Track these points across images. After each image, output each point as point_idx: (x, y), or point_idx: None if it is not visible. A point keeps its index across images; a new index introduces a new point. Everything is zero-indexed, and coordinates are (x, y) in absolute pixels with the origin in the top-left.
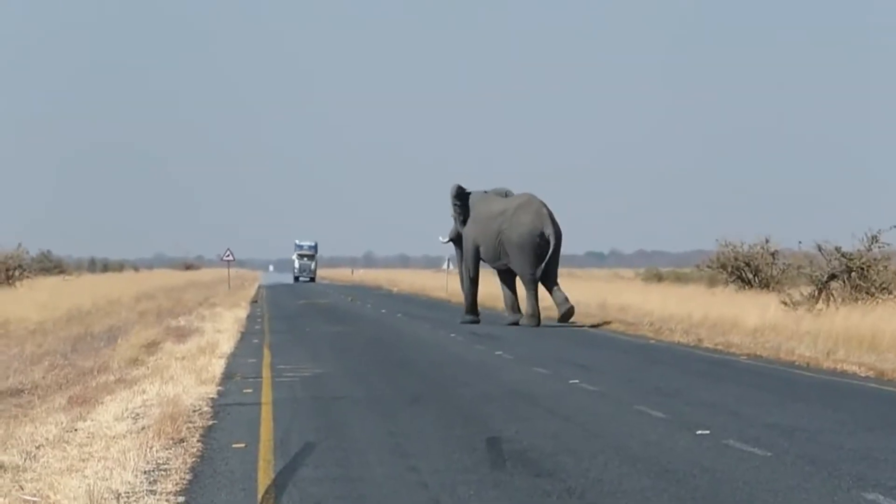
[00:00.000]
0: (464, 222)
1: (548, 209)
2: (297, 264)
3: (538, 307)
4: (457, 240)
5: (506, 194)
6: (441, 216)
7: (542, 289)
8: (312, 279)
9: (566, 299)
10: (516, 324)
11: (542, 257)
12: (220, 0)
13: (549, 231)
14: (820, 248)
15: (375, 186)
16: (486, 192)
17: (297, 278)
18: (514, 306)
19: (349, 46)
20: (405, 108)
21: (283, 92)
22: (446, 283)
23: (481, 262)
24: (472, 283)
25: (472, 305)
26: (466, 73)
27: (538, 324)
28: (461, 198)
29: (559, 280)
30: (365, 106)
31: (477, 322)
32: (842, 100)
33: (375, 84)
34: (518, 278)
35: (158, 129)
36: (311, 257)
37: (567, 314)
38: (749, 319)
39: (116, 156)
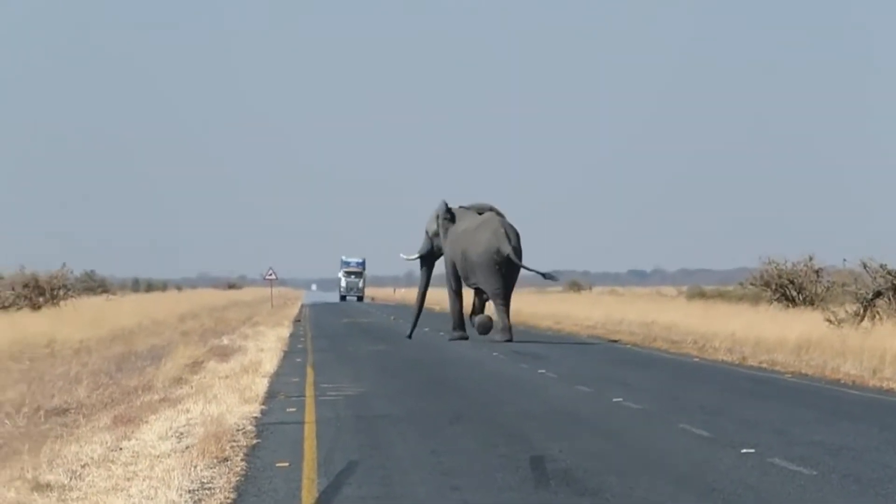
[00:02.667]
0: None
1: (507, 228)
2: (343, 282)
3: (509, 320)
4: (425, 257)
5: (482, 211)
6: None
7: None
8: (360, 298)
9: (508, 328)
10: (465, 339)
11: (503, 275)
12: (255, 13)
13: (506, 249)
14: (865, 266)
15: (418, 205)
16: (465, 207)
17: (343, 297)
18: (461, 323)
19: (388, 62)
20: (454, 129)
21: (328, 109)
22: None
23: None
24: (455, 298)
25: (457, 321)
26: (506, 87)
27: (511, 338)
28: (450, 215)
29: (513, 302)
30: (415, 124)
31: (465, 338)
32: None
33: (418, 102)
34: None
35: (202, 151)
36: (359, 274)
37: (507, 340)
38: (793, 337)
39: (159, 177)
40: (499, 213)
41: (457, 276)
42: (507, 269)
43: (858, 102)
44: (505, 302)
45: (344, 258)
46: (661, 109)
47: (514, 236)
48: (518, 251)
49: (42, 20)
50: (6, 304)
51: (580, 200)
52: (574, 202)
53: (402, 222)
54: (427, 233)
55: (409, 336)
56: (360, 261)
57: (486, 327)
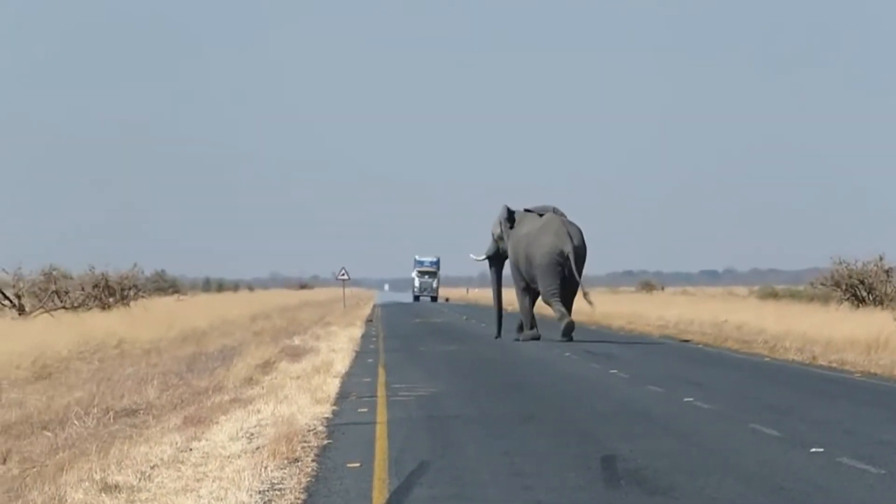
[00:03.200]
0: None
1: (569, 227)
2: (416, 282)
3: (565, 310)
4: (493, 258)
5: (543, 213)
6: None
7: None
8: (434, 298)
9: (570, 329)
10: (537, 338)
11: (562, 276)
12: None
13: (567, 249)
14: None
15: (491, 205)
16: (526, 210)
17: (416, 297)
18: (532, 322)
19: (458, 64)
20: (531, 129)
21: (403, 109)
22: None
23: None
24: (524, 296)
25: (528, 321)
26: (560, 90)
27: (572, 324)
28: (511, 220)
29: (578, 301)
30: (493, 124)
31: (537, 338)
32: None
33: (494, 101)
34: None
35: (271, 149)
36: (433, 274)
37: (567, 329)
38: (863, 337)
39: (231, 176)
40: (560, 214)
41: (523, 277)
42: (570, 270)
43: None
44: (558, 298)
45: (417, 258)
46: (727, 106)
47: (576, 235)
48: (582, 249)
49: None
50: (76, 304)
51: (654, 201)
52: (647, 203)
53: (474, 223)
54: (493, 235)
55: (498, 336)
56: (435, 260)
57: (569, 329)
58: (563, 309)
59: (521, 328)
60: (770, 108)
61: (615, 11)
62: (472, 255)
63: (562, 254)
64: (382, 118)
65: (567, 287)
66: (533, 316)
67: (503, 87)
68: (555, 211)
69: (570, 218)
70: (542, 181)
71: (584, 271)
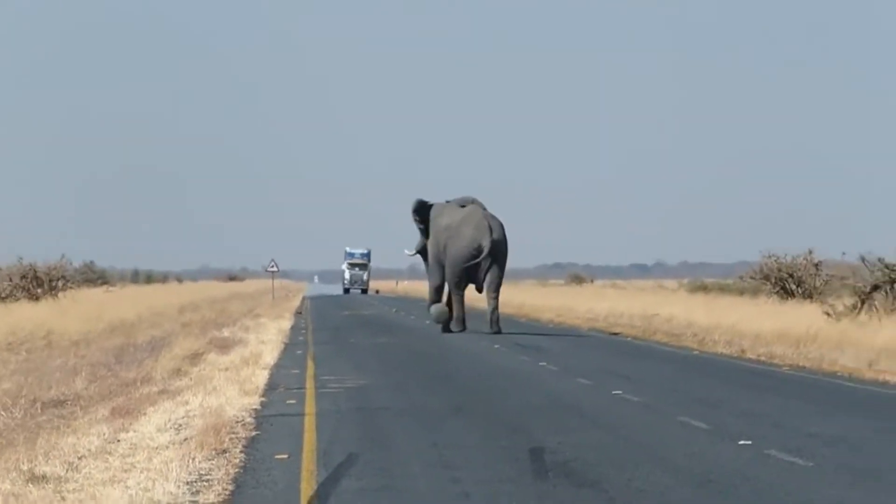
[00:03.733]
0: (427, 235)
1: (490, 220)
2: (347, 274)
3: (464, 312)
4: (423, 252)
5: (465, 204)
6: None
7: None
8: (364, 290)
9: (496, 321)
10: (449, 331)
11: (476, 268)
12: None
13: (486, 243)
14: (863, 259)
15: (423, 196)
16: (447, 202)
17: (347, 290)
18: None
19: (390, 55)
20: (459, 120)
21: (334, 99)
22: None
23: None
24: (435, 293)
25: (450, 314)
26: (492, 81)
27: (464, 328)
28: (420, 212)
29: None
30: (424, 116)
31: (463, 329)
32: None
33: (425, 91)
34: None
35: (203, 142)
36: (364, 266)
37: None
38: (792, 330)
39: (160, 169)
40: (481, 206)
41: (441, 272)
42: (491, 263)
43: (857, 96)
44: (461, 294)
45: (348, 249)
46: (664, 104)
47: (497, 228)
48: (503, 242)
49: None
50: (4, 295)
51: (583, 194)
52: (577, 196)
53: (405, 214)
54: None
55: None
56: (366, 252)
57: (442, 315)
58: (462, 308)
59: (441, 318)
60: (698, 98)
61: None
62: (406, 251)
63: (479, 248)
64: (313, 109)
65: (490, 279)
66: (449, 308)
67: (435, 78)
68: (475, 202)
69: (498, 210)
70: (471, 173)
71: (511, 264)
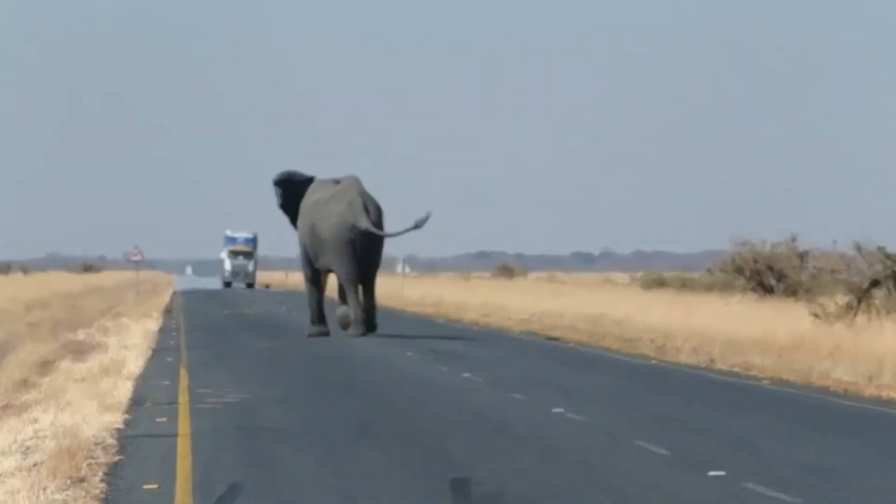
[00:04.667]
0: (293, 216)
1: (365, 199)
2: (228, 264)
3: (361, 311)
4: None
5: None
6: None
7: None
8: (251, 284)
9: (366, 319)
10: (325, 335)
11: (358, 255)
12: None
13: (363, 224)
14: (859, 249)
15: (320, 172)
16: (330, 180)
17: (227, 283)
18: (321, 316)
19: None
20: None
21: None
22: (401, 289)
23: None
24: (310, 286)
25: (316, 314)
26: (454, 64)
27: (365, 331)
28: (283, 185)
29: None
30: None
31: (326, 334)
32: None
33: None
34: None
35: (53, 103)
36: (249, 255)
37: (361, 334)
38: (773, 335)
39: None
40: (355, 184)
41: (309, 261)
42: (363, 248)
43: (845, 60)
44: (364, 288)
45: (229, 233)
46: (609, 72)
47: (374, 209)
48: (380, 226)
49: None
50: None
51: (512, 172)
52: (506, 174)
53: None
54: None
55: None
56: (251, 237)
57: (347, 319)
58: (359, 312)
59: (312, 320)
60: (663, 79)
61: None
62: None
63: (353, 228)
64: (187, 78)
65: (364, 270)
66: (321, 308)
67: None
68: (353, 179)
69: (409, 188)
70: (379, 149)
71: (427, 252)
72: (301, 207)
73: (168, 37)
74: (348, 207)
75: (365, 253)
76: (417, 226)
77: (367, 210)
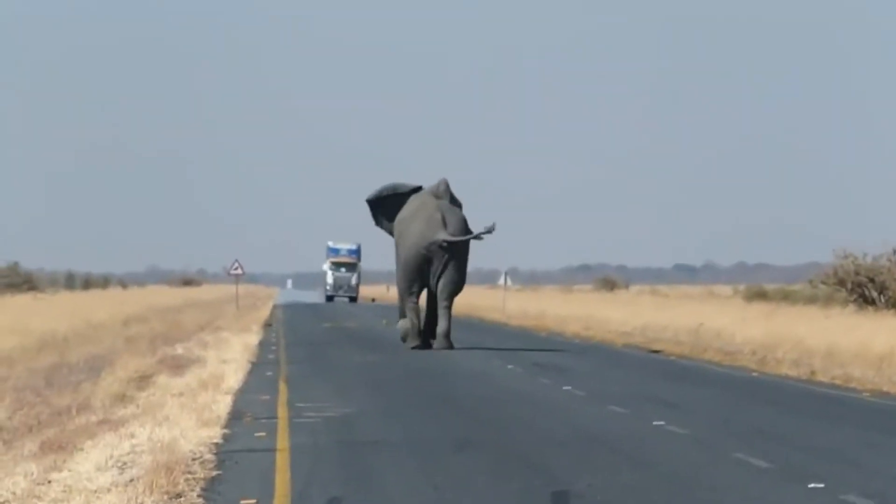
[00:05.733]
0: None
1: (444, 211)
2: (330, 277)
3: (419, 322)
4: None
5: (433, 192)
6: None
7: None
8: (353, 298)
9: (446, 335)
10: (420, 347)
11: (428, 270)
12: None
13: (441, 236)
14: None
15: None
16: (416, 189)
17: (330, 297)
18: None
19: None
20: (464, 105)
21: (290, 76)
22: (503, 302)
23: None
24: (405, 301)
25: (413, 329)
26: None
27: (450, 346)
28: (372, 204)
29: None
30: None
31: (424, 348)
32: None
33: (423, 73)
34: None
35: (148, 124)
36: (353, 266)
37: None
38: (874, 347)
39: (100, 154)
40: (439, 194)
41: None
42: (444, 262)
43: None
44: (446, 300)
45: (331, 244)
46: (705, 82)
47: (455, 222)
48: (461, 240)
49: None
50: None
51: (616, 182)
52: (609, 184)
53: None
54: None
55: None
56: (354, 248)
57: (405, 332)
58: (417, 317)
59: (406, 334)
60: (757, 95)
61: None
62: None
63: (432, 245)
64: (276, 89)
65: (442, 284)
66: (419, 322)
67: (435, 60)
68: (439, 189)
69: (511, 203)
70: (483, 162)
71: (529, 265)
72: (396, 220)
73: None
74: (426, 225)
75: (446, 267)
76: (488, 231)
77: (444, 222)
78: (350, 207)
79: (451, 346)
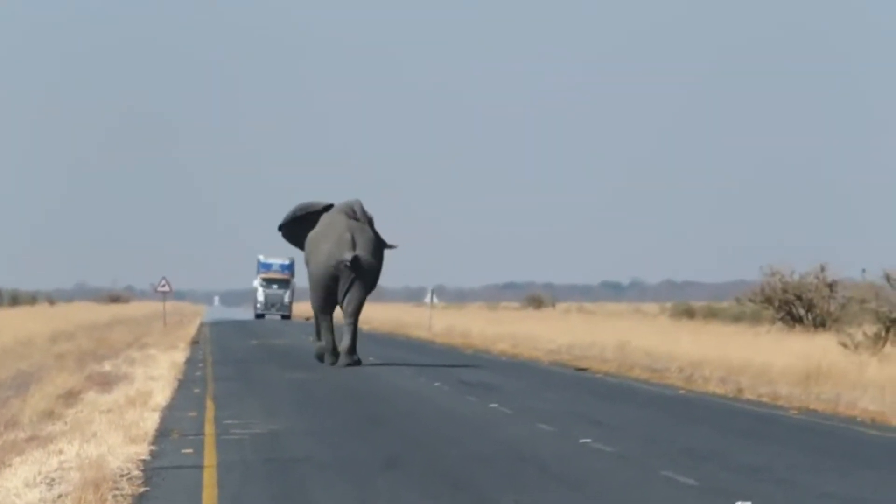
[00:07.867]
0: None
1: (353, 231)
2: (261, 294)
3: (333, 339)
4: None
5: (344, 210)
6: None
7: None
8: (286, 316)
9: (350, 351)
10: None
11: (347, 288)
12: None
13: (347, 256)
14: (888, 278)
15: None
16: (328, 206)
17: (260, 315)
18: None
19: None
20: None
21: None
22: (430, 320)
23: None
24: (320, 317)
25: (331, 345)
26: (483, 81)
27: (355, 362)
28: (289, 229)
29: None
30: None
31: (334, 362)
32: None
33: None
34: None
35: (71, 141)
36: (285, 283)
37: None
38: (800, 365)
39: (25, 169)
40: (350, 214)
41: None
42: (350, 281)
43: (863, 104)
44: (351, 319)
45: (262, 259)
46: (623, 96)
47: (364, 243)
48: (370, 259)
49: None
50: None
51: (542, 199)
52: (535, 201)
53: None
54: None
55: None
56: (287, 263)
57: (320, 351)
58: (331, 335)
59: (322, 353)
60: (671, 100)
61: None
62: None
63: (337, 266)
64: (219, 97)
65: (349, 301)
66: (333, 336)
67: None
68: (351, 208)
69: (435, 219)
70: (400, 174)
71: (455, 282)
72: (308, 237)
73: (196, 59)
74: (335, 245)
75: (353, 285)
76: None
77: (354, 243)
78: (267, 231)
79: (357, 363)
